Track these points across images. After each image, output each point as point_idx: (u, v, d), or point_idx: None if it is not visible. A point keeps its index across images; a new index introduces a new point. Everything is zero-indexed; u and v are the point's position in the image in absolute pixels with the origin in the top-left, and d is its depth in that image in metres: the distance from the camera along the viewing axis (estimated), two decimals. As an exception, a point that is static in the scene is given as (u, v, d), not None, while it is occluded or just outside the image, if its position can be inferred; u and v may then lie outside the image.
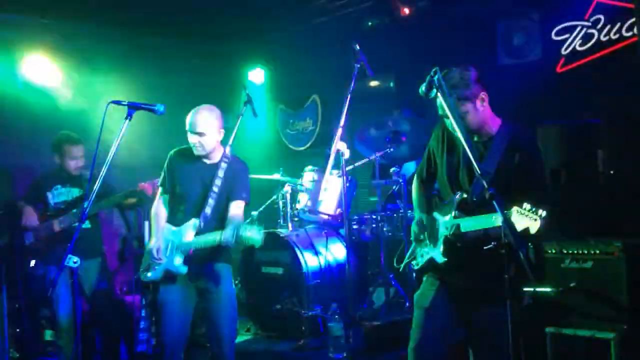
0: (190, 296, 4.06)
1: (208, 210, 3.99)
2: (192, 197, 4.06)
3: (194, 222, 3.99)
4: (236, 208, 4.04)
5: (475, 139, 3.09)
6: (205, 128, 3.97)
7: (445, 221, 3.13)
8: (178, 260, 3.97)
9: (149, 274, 4.05)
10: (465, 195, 3.07)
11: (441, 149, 3.25)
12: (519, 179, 2.67)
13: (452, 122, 2.84)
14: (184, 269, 3.96)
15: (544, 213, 2.55)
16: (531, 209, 2.58)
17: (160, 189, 4.21)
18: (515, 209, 2.63)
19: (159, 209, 4.18)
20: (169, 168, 4.15)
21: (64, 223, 4.94)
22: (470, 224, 2.97)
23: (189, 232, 3.99)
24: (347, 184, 4.98)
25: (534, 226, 2.56)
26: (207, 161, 4.11)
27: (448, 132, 3.18)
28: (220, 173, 4.03)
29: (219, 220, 4.01)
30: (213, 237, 3.83)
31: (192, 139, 4.00)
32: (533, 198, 2.65)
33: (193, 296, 4.07)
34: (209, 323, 4.05)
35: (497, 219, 2.75)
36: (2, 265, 5.13)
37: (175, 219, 4.09)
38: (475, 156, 2.98)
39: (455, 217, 3.07)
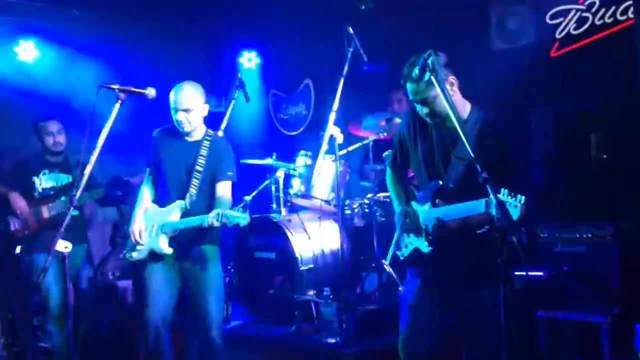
0: (175, 277, 4.06)
1: (193, 190, 4.00)
2: (176, 177, 4.06)
3: (179, 203, 3.99)
4: (223, 189, 4.05)
5: (447, 124, 3.06)
6: (191, 104, 3.97)
7: (424, 211, 3.12)
8: (163, 241, 3.98)
9: (134, 254, 4.08)
10: (441, 183, 3.07)
11: (413, 136, 3.23)
12: (493, 164, 2.64)
13: (444, 105, 2.82)
14: (169, 250, 3.97)
15: (522, 198, 2.54)
16: (509, 194, 2.56)
17: (147, 170, 4.21)
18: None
19: (144, 190, 4.20)
20: (153, 148, 4.15)
21: (53, 210, 4.90)
22: (451, 212, 2.97)
23: (174, 213, 3.99)
24: (340, 169, 4.97)
25: (514, 213, 2.55)
26: (190, 139, 4.09)
27: (419, 118, 3.16)
28: (203, 152, 4.04)
29: (205, 200, 4.03)
30: (200, 219, 3.81)
31: (178, 116, 3.98)
32: (508, 184, 2.64)
33: (178, 278, 4.07)
34: (195, 306, 4.03)
35: (482, 206, 2.74)
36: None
37: (160, 199, 4.10)
38: (449, 141, 2.99)
39: (434, 206, 3.07)
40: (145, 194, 4.19)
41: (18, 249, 4.93)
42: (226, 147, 4.18)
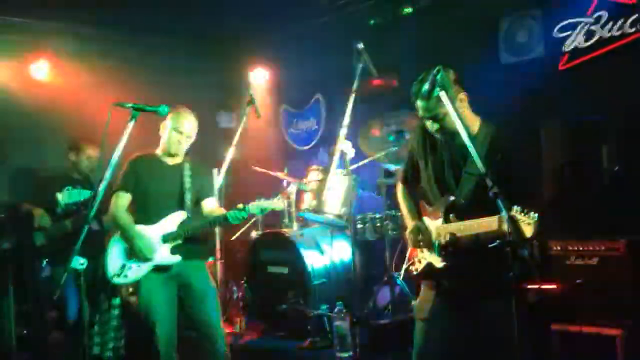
0: (173, 294, 4.11)
1: (189, 203, 4.15)
2: (166, 197, 4.15)
3: (179, 213, 4.12)
4: (214, 203, 4.33)
5: (457, 140, 3.09)
6: (193, 132, 4.22)
7: (437, 227, 3.14)
8: (166, 251, 4.04)
9: (129, 276, 4.04)
10: (452, 198, 3.08)
11: (423, 151, 3.26)
12: (503, 179, 2.66)
13: (455, 121, 2.84)
14: (177, 258, 4.05)
15: (535, 216, 2.54)
16: (522, 212, 2.57)
17: (118, 193, 4.13)
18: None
19: (124, 212, 4.13)
20: (133, 171, 4.16)
21: (77, 223, 5.00)
22: (464, 228, 2.98)
23: (171, 224, 4.09)
24: (352, 183, 4.99)
25: (527, 230, 2.55)
26: (171, 162, 4.23)
27: (429, 134, 3.19)
28: (187, 172, 4.21)
29: (195, 211, 4.24)
30: (237, 214, 4.01)
31: (178, 137, 4.14)
32: (519, 199, 2.65)
33: (175, 294, 4.11)
34: (199, 319, 4.09)
35: (495, 223, 2.76)
36: (9, 267, 5.16)
37: (147, 219, 4.11)
38: (459, 156, 3.01)
39: (446, 222, 3.08)
40: (127, 215, 4.13)
41: (44, 263, 5.04)
42: (207, 168, 4.47)
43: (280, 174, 5.96)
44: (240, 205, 4.00)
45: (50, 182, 5.25)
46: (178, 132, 4.11)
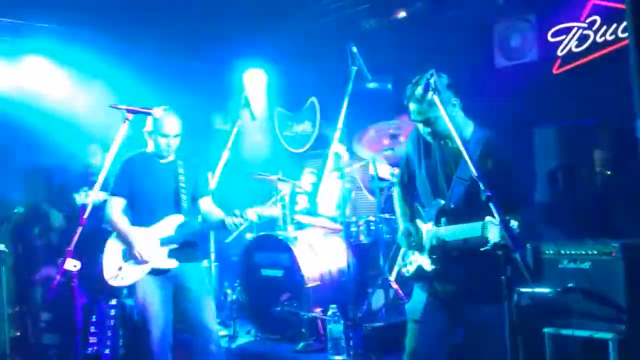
0: (169, 296, 4.12)
1: (185, 205, 4.14)
2: (162, 196, 4.15)
3: (177, 217, 4.11)
4: (210, 202, 4.30)
5: (449, 144, 3.10)
6: (179, 130, 4.14)
7: (427, 230, 3.15)
8: (163, 255, 4.05)
9: (126, 278, 4.06)
10: (442, 202, 3.10)
11: (418, 155, 3.28)
12: (494, 184, 2.66)
13: (446, 125, 2.85)
14: (175, 264, 4.05)
15: (515, 224, 2.56)
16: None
17: (113, 196, 4.17)
18: (488, 218, 2.66)
19: (120, 215, 4.15)
20: (126, 173, 4.16)
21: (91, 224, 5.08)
22: (452, 232, 3.00)
23: (169, 227, 4.09)
24: (346, 186, 5.00)
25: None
26: (164, 160, 4.21)
27: (423, 138, 3.20)
28: (181, 170, 4.19)
29: (193, 212, 4.24)
30: (212, 223, 4.10)
31: (164, 140, 4.10)
32: (510, 204, 2.66)
33: (171, 295, 4.13)
34: (194, 321, 4.09)
35: (478, 229, 2.77)
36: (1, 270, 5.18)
37: (143, 220, 4.12)
38: (451, 161, 3.02)
39: (437, 225, 3.10)
40: (123, 217, 4.16)
41: (60, 261, 5.09)
42: (201, 164, 4.41)
43: (277, 178, 5.96)
44: (237, 212, 3.99)
45: (67, 183, 5.37)
46: (164, 135, 4.09)
